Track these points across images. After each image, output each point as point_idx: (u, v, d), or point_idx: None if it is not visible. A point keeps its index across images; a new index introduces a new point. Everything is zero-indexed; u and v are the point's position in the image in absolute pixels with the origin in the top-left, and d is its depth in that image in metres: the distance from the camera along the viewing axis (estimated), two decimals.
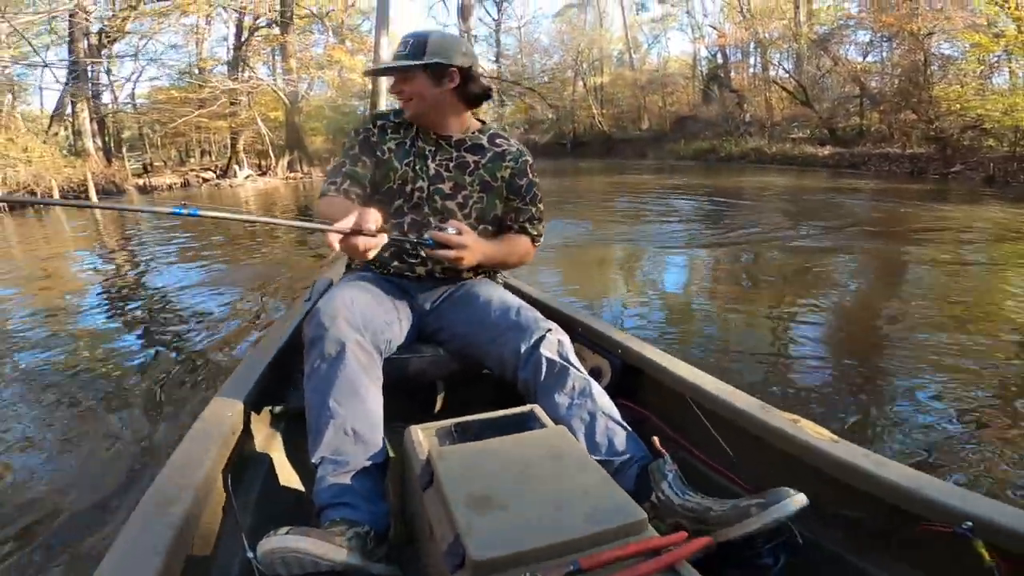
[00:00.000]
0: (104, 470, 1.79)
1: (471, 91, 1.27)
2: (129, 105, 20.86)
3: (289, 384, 1.30)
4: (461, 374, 1.37)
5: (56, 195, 13.21)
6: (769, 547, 0.86)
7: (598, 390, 1.10)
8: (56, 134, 16.33)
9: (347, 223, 0.97)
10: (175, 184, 17.40)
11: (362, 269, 1.36)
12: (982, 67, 13.04)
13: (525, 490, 0.75)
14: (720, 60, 23.24)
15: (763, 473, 0.97)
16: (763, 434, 1.00)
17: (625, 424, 1.06)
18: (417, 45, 1.22)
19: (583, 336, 1.43)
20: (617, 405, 1.11)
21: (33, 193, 13.25)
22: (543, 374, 1.11)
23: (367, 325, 1.11)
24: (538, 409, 1.01)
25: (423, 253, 1.25)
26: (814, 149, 16.23)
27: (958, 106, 12.25)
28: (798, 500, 0.82)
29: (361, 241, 0.99)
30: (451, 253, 1.16)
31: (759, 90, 21.16)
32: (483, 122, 1.38)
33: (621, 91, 26.21)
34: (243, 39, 19.10)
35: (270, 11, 18.50)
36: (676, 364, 1.24)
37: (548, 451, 0.83)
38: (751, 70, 22.58)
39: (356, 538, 0.85)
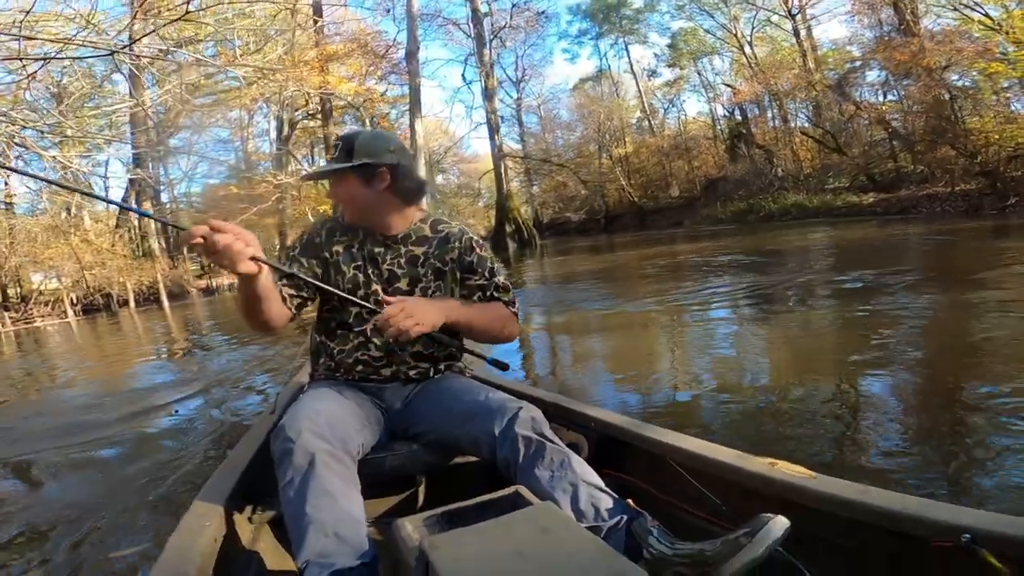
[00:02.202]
0: None
1: (405, 187, 1.28)
2: (185, 204, 22.48)
3: (267, 490, 1.28)
4: (439, 466, 1.39)
5: (131, 298, 14.20)
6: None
7: (577, 460, 1.12)
8: (121, 236, 17.26)
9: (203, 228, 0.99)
10: (232, 283, 18.08)
11: (325, 377, 1.38)
12: (998, 94, 13.02)
13: (523, 568, 0.75)
14: (740, 117, 23.39)
15: (749, 514, 0.98)
16: (745, 479, 1.07)
17: (607, 490, 1.08)
18: (346, 147, 1.25)
19: (557, 416, 1.46)
20: (600, 475, 1.13)
21: (108, 296, 14.26)
22: (521, 452, 1.13)
23: (334, 433, 1.12)
24: (522, 489, 1.02)
25: (379, 338, 1.29)
26: (857, 198, 15.68)
27: (996, 136, 11.98)
28: (780, 522, 0.86)
29: (221, 239, 0.99)
30: (394, 309, 1.14)
31: (784, 142, 21.06)
32: (424, 211, 1.40)
33: (646, 159, 26.16)
34: (283, 133, 20.21)
35: (307, 104, 19.46)
36: (651, 429, 1.31)
37: (539, 527, 0.84)
38: (771, 123, 22.51)
39: None
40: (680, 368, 3.56)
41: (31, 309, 12.93)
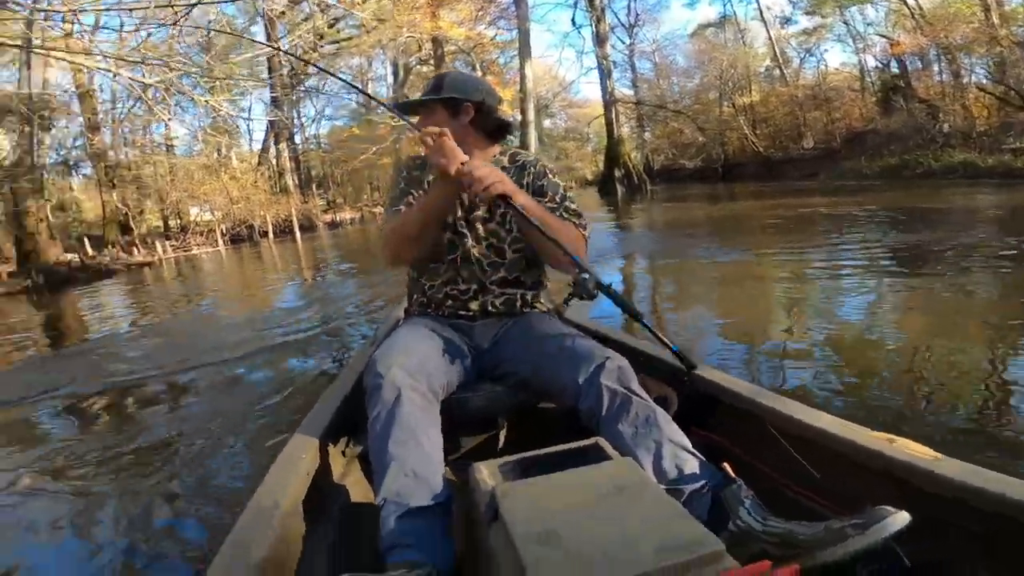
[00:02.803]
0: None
1: (487, 123, 1.33)
2: (315, 145, 24.23)
3: (360, 424, 1.31)
4: (522, 409, 1.36)
5: (270, 229, 15.73)
6: (868, 571, 0.80)
7: (664, 417, 1.06)
8: (263, 173, 18.94)
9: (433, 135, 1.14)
10: (355, 218, 19.63)
11: (419, 314, 1.41)
12: None
13: (592, 524, 0.72)
14: (896, 69, 21.04)
15: (857, 494, 0.90)
16: (854, 454, 0.95)
17: (695, 452, 1.03)
18: (436, 83, 1.34)
19: (646, 366, 1.38)
20: (687, 433, 1.07)
21: (251, 228, 15.89)
22: (605, 404, 1.08)
23: (422, 369, 1.13)
24: (602, 441, 0.99)
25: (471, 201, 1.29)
26: None
27: None
28: (900, 518, 0.76)
29: (448, 140, 1.13)
30: (480, 172, 1.12)
31: (953, 98, 18.59)
32: (507, 146, 1.42)
33: (776, 109, 24.37)
34: (399, 78, 21.08)
35: (420, 50, 20.23)
36: (750, 388, 1.20)
37: (615, 483, 0.80)
38: (937, 77, 19.96)
39: None
40: (793, 328, 3.22)
41: (188, 238, 14.59)
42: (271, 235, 15.85)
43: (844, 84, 23.89)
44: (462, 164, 1.14)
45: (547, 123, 30.16)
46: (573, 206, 1.36)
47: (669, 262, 5.80)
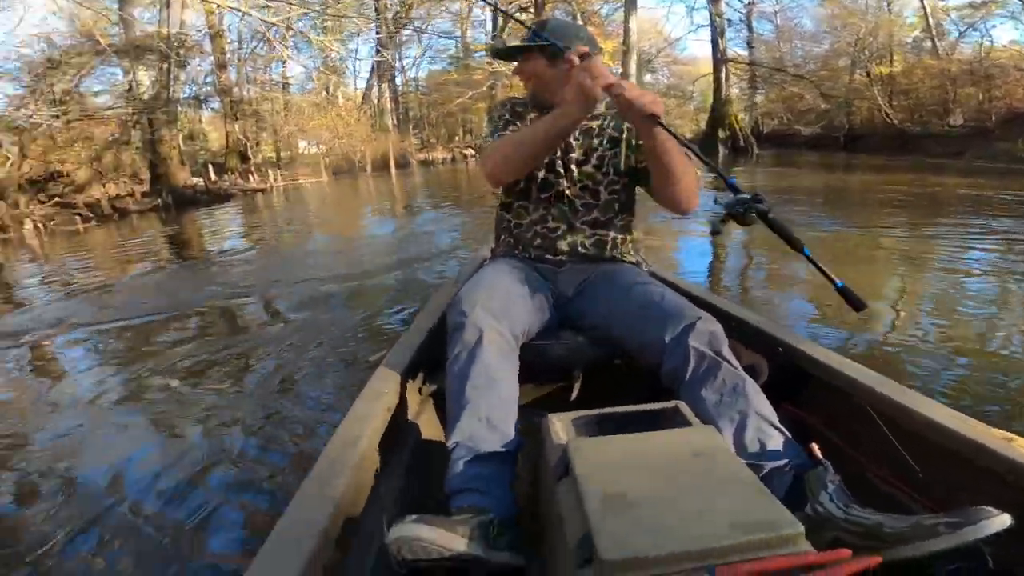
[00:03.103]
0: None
1: None
2: (414, 87, 24.68)
3: (435, 366, 1.29)
4: (600, 362, 1.30)
5: (368, 165, 16.45)
6: (951, 569, 0.76)
7: (753, 388, 0.99)
8: (365, 112, 20.01)
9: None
10: (447, 159, 20.09)
11: (505, 255, 1.36)
12: None
13: (665, 491, 0.69)
14: None
15: (956, 492, 0.83)
16: (964, 449, 0.86)
17: (782, 428, 0.96)
18: (537, 30, 1.29)
19: (738, 331, 1.30)
20: (775, 408, 1.00)
21: (351, 162, 16.75)
22: (691, 366, 1.02)
23: (506, 312, 1.10)
24: (683, 406, 0.94)
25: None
26: None
27: None
28: (999, 521, 0.70)
29: (596, 64, 1.07)
30: (634, 90, 1.03)
31: None
32: None
33: (921, 81, 21.92)
34: (498, 25, 20.52)
35: None
36: (851, 366, 1.10)
37: (693, 451, 0.76)
38: None
39: (480, 527, 0.84)
40: (905, 313, 2.92)
41: (296, 169, 15.63)
42: (369, 169, 16.62)
43: (1010, 62, 20.78)
44: (611, 84, 1.05)
45: (648, 78, 28.54)
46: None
47: (767, 230, 5.37)
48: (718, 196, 1.09)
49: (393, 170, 16.38)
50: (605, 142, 1.30)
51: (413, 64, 26.00)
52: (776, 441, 0.94)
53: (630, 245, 1.39)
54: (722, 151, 17.84)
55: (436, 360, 1.31)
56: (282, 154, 17.87)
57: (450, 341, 1.08)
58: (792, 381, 1.21)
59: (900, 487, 0.97)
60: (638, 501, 0.67)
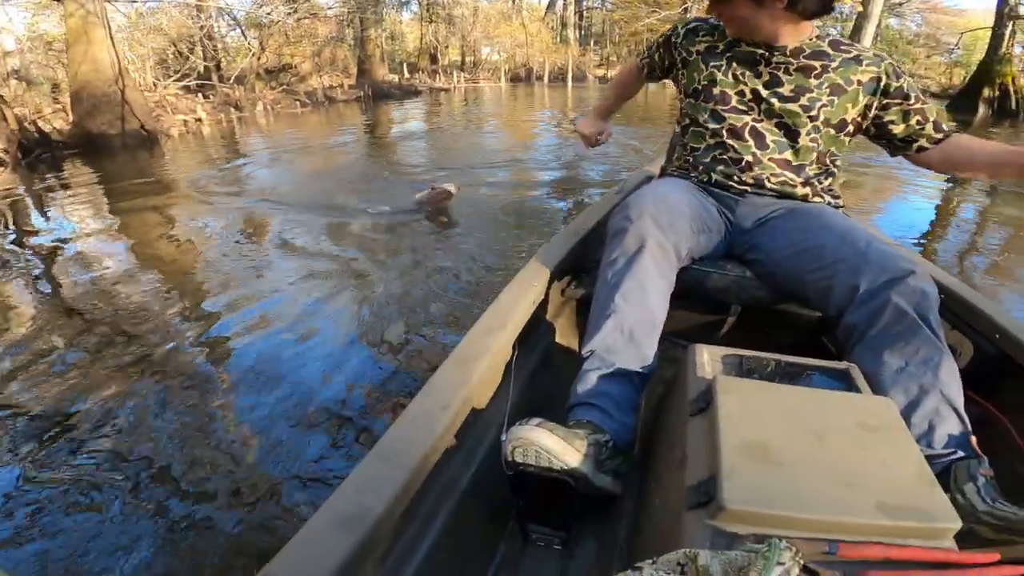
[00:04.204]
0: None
1: (802, 5, 1.04)
2: (600, 2, 23.20)
3: (582, 270, 1.27)
4: (762, 303, 1.14)
5: (545, 75, 16.29)
6: None
7: (949, 367, 0.83)
8: (548, 24, 19.57)
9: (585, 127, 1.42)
10: None
11: (679, 174, 1.23)
12: None
13: (815, 453, 0.60)
14: None
15: None
16: None
17: (964, 417, 0.81)
18: None
19: (944, 303, 1.06)
20: (967, 397, 0.85)
21: (530, 71, 16.63)
22: (882, 322, 0.86)
23: (672, 227, 0.99)
24: (856, 370, 0.80)
25: None
26: None
27: None
28: None
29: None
30: None
31: None
32: (818, 29, 1.14)
33: None
34: None
35: None
36: None
37: (861, 421, 0.65)
38: None
39: (595, 446, 0.79)
40: None
41: (478, 73, 16.06)
42: (546, 79, 16.44)
43: None
44: None
45: (893, 21, 23.43)
46: (936, 115, 1.12)
47: (1010, 206, 4.07)
48: None
49: (569, 83, 16.02)
50: (825, 86, 1.11)
51: None
52: (952, 428, 0.81)
53: (828, 187, 1.19)
54: (982, 110, 14.73)
55: (582, 266, 1.28)
56: (467, 58, 18.21)
57: (608, 245, 1.00)
58: (994, 371, 1.03)
59: None
60: (780, 456, 0.59)
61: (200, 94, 8.50)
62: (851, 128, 1.13)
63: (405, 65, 14.92)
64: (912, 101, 1.09)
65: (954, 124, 1.03)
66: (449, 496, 0.76)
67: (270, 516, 1.20)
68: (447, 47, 17.81)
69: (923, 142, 1.10)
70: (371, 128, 7.49)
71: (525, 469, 0.75)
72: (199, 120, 7.43)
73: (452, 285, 2.29)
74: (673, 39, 1.23)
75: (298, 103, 9.34)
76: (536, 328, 1.13)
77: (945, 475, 0.78)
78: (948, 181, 4.90)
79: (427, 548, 0.69)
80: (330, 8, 12.64)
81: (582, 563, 0.82)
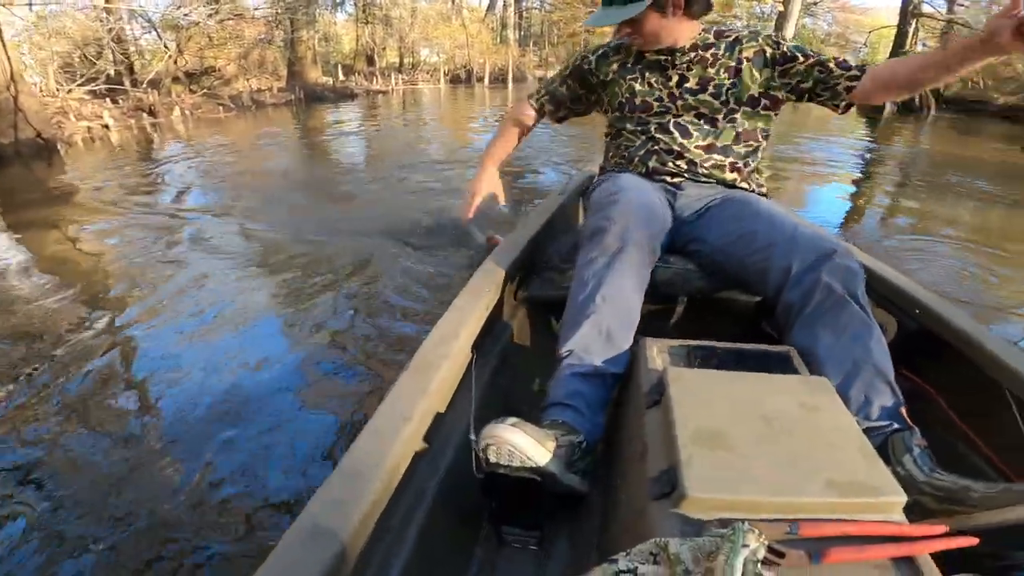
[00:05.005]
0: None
1: (697, 8, 1.17)
2: (539, 4, 23.25)
3: (534, 272, 1.27)
4: (705, 293, 1.20)
5: (486, 76, 16.13)
6: None
7: (879, 339, 0.86)
8: (488, 25, 19.44)
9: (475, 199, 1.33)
10: None
11: (618, 169, 1.28)
12: None
13: (764, 436, 0.63)
14: None
15: None
16: None
17: (895, 388, 0.84)
18: None
19: (868, 283, 1.12)
20: (895, 371, 0.89)
21: (469, 72, 16.42)
22: (815, 300, 0.90)
23: (648, 225, 1.02)
24: (795, 353, 0.86)
25: None
26: None
27: None
28: None
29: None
30: None
31: None
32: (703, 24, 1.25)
33: None
34: None
35: None
36: (994, 339, 0.97)
37: (801, 401, 0.69)
38: None
39: (567, 447, 0.79)
40: None
41: (416, 75, 15.65)
42: (486, 80, 16.27)
43: None
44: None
45: (807, 20, 24.55)
46: (840, 57, 1.19)
47: (920, 195, 4.36)
48: None
49: (510, 83, 15.93)
50: (723, 72, 1.20)
51: None
52: (886, 400, 0.83)
53: (753, 175, 1.26)
54: (889, 107, 15.55)
55: (533, 268, 1.29)
56: (405, 60, 17.75)
57: (587, 245, 1.00)
58: (918, 346, 1.08)
59: (1008, 469, 0.88)
60: (733, 441, 0.62)
61: (109, 99, 7.84)
62: (766, 103, 1.19)
63: (340, 67, 14.36)
64: (802, 59, 1.15)
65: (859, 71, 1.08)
66: (420, 505, 0.75)
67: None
68: (384, 49, 17.33)
69: (843, 83, 1.12)
70: (300, 132, 7.13)
71: (497, 469, 0.74)
72: (105, 127, 6.80)
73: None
74: (586, 66, 1.31)
75: (221, 107, 8.75)
76: (492, 332, 1.13)
77: (884, 448, 0.79)
78: (862, 173, 5.24)
79: (402, 561, 0.68)
80: (257, 9, 12.03)
81: (558, 562, 0.82)
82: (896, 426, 0.82)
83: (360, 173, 4.54)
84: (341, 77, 13.40)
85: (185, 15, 10.15)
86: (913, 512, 0.59)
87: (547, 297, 1.25)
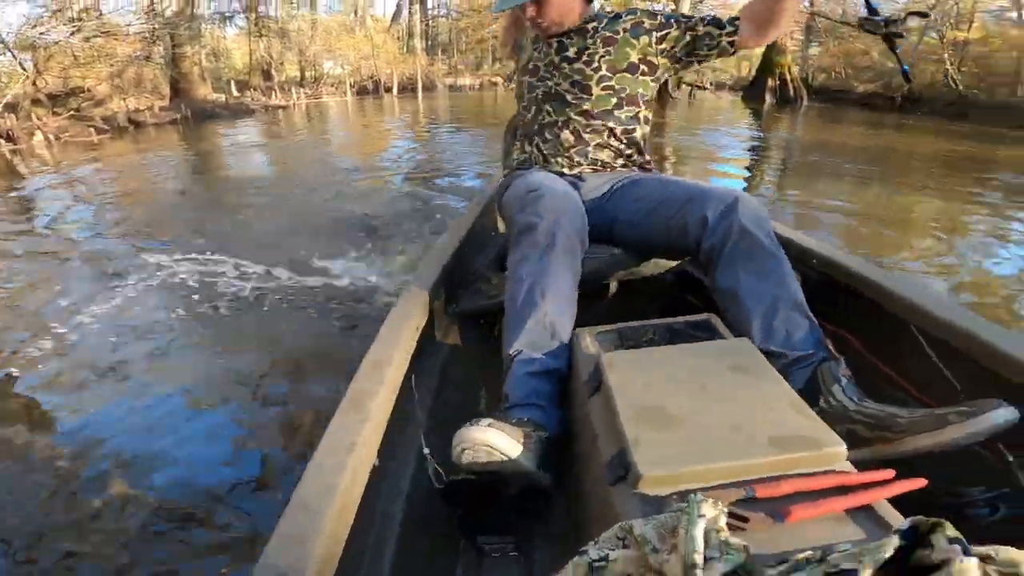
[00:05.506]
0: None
1: None
2: (445, 12, 23.16)
3: (460, 287, 1.29)
4: (634, 273, 1.24)
5: (395, 86, 15.68)
6: (986, 496, 0.74)
7: (789, 273, 0.93)
8: (393, 34, 19.11)
9: None
10: (474, 85, 18.90)
11: (524, 167, 1.31)
12: None
13: (702, 405, 0.66)
14: None
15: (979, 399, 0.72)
16: (997, 366, 0.80)
17: (811, 316, 0.90)
18: None
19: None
20: None
21: (376, 82, 15.95)
22: (731, 242, 0.95)
23: (573, 217, 1.02)
24: (715, 318, 0.91)
25: None
26: None
27: None
28: (1006, 412, 0.67)
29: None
30: None
31: None
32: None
33: (996, 51, 19.39)
34: None
35: None
36: (886, 277, 1.07)
37: (729, 364, 0.73)
38: None
39: (537, 442, 0.79)
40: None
41: (320, 88, 14.88)
42: (395, 90, 15.80)
43: None
44: None
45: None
46: (712, 16, 1.24)
47: (799, 179, 4.98)
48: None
49: (420, 92, 15.52)
50: (599, 42, 1.25)
51: None
52: (802, 331, 0.88)
53: (641, 148, 1.31)
54: (769, 99, 16.89)
55: (460, 282, 1.31)
56: (307, 73, 16.90)
57: (517, 243, 1.01)
58: (826, 295, 1.13)
59: (926, 399, 0.92)
60: (675, 416, 0.64)
61: None
62: (644, 68, 1.25)
63: (234, 83, 13.44)
64: (677, 25, 1.22)
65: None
66: (389, 531, 0.74)
67: None
68: (283, 63, 16.50)
69: (723, 40, 1.18)
70: (189, 150, 6.58)
71: (472, 470, 0.74)
72: None
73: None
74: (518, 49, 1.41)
75: (93, 130, 7.84)
76: (429, 351, 1.13)
77: (814, 379, 0.82)
78: (752, 159, 5.95)
79: None
80: (130, 25, 10.99)
81: (542, 565, 0.80)
82: (822, 355, 0.85)
83: (258, 187, 4.26)
84: (235, 93, 12.51)
85: (42, 34, 9.08)
86: (848, 440, 0.61)
87: (479, 308, 1.25)
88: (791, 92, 17.41)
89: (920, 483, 0.57)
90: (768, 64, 18.09)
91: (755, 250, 0.93)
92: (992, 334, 0.84)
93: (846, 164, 5.56)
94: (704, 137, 7.27)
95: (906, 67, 1.22)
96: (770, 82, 17.54)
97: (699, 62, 1.26)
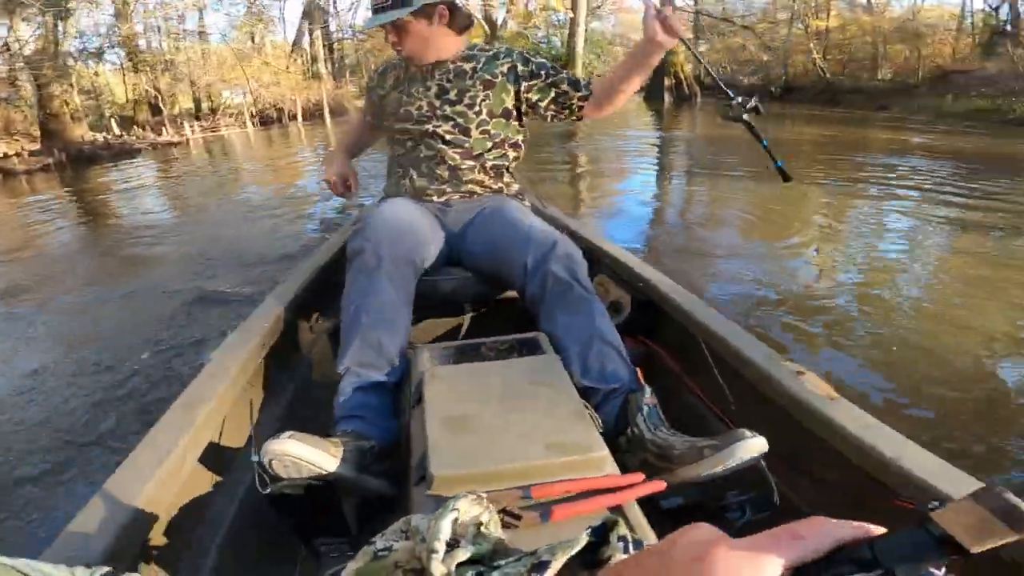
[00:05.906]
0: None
1: (460, 20, 1.27)
2: (350, 33, 22.72)
3: (328, 300, 1.31)
4: (488, 298, 1.32)
5: (299, 113, 14.97)
6: (739, 500, 0.81)
7: (601, 312, 1.02)
8: (296, 60, 18.45)
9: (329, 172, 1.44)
10: None
11: (397, 195, 1.36)
12: None
13: (500, 415, 0.72)
14: (1007, 15, 17.31)
15: (755, 421, 0.83)
16: (762, 383, 0.91)
17: (622, 352, 0.98)
18: None
19: (608, 268, 1.37)
20: (633, 340, 1.10)
21: (280, 111, 15.32)
22: (548, 290, 1.04)
23: (403, 242, 1.09)
24: (543, 336, 0.98)
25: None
26: None
27: None
28: (755, 445, 0.74)
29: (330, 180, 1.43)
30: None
31: None
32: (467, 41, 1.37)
33: (855, 37, 21.31)
34: None
35: None
36: (694, 303, 1.14)
37: (533, 378, 0.80)
38: None
39: (356, 451, 0.83)
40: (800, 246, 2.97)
41: (218, 120, 13.99)
42: (300, 118, 15.13)
43: (938, 22, 20.37)
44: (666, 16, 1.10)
45: (595, 25, 27.00)
46: (573, 75, 1.32)
47: (691, 175, 5.65)
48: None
49: (327, 118, 14.93)
50: (479, 84, 1.29)
51: (350, 8, 23.80)
52: (615, 365, 0.95)
53: (512, 180, 1.38)
54: (667, 98, 17.98)
55: (326, 299, 1.32)
56: (202, 105, 15.88)
57: (350, 266, 1.07)
58: (650, 315, 1.24)
59: (721, 417, 0.99)
60: (474, 425, 0.70)
61: None
62: (515, 114, 1.31)
63: (116, 120, 12.46)
64: (544, 76, 1.28)
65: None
66: (215, 532, 0.74)
67: None
68: (174, 94, 15.55)
69: (576, 102, 1.28)
70: (66, 198, 6.08)
71: (285, 483, 0.75)
72: None
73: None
74: (371, 85, 1.44)
75: None
76: (283, 364, 1.13)
77: (623, 410, 0.90)
78: (656, 157, 6.47)
79: None
80: None
81: None
82: (631, 386, 0.92)
83: (143, 233, 4.12)
84: (117, 131, 11.56)
85: None
86: (644, 469, 0.67)
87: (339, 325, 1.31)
88: (686, 90, 18.55)
89: (659, 486, 0.66)
90: (663, 64, 18.86)
91: (568, 294, 1.02)
92: (763, 358, 0.92)
93: (729, 159, 5.98)
94: (611, 143, 7.76)
95: (780, 162, 1.15)
96: (666, 82, 18.59)
97: (549, 119, 1.31)
